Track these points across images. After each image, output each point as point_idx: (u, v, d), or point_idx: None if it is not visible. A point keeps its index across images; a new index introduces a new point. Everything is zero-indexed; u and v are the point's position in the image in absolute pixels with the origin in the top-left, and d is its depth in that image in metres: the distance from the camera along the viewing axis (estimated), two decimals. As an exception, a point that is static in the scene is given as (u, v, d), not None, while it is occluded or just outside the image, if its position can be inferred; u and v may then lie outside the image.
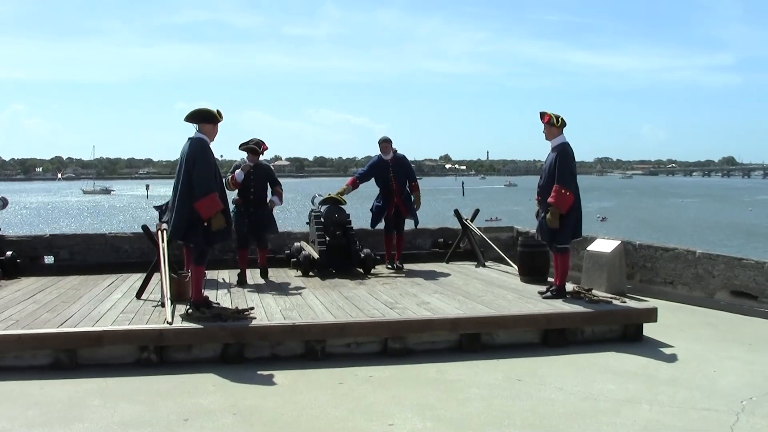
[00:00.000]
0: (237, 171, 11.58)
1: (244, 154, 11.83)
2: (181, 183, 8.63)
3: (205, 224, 8.55)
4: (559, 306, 9.39)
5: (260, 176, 11.88)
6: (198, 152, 8.55)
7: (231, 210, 10.07)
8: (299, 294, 10.27)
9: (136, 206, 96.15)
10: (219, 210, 8.53)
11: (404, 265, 13.02)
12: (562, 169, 9.62)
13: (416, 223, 13.42)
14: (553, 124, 9.82)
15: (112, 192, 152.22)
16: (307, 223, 13.57)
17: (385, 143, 12.92)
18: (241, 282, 11.37)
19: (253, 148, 11.82)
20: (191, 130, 8.81)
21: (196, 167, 8.49)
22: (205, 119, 8.77)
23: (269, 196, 12.16)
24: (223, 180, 9.08)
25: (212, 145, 8.84)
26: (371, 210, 13.25)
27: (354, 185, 13.10)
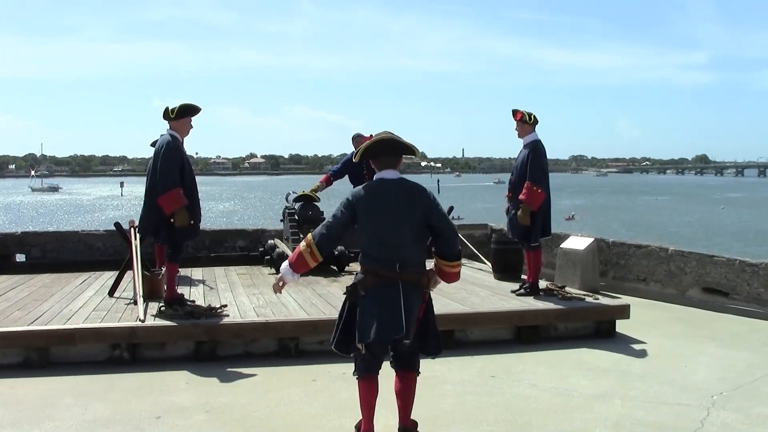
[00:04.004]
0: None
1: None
2: (150, 180, 8.62)
3: (171, 220, 8.49)
4: (532, 303, 9.43)
5: None
6: (163, 148, 8.50)
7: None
8: (272, 291, 10.21)
9: (83, 207, 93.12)
10: (182, 206, 8.47)
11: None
12: (533, 167, 9.66)
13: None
14: (525, 122, 9.86)
15: (59, 189, 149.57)
16: (281, 221, 13.53)
17: (358, 138, 12.89)
18: None
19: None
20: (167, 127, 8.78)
21: (160, 163, 8.45)
22: (165, 117, 8.72)
23: None
24: (195, 177, 8.95)
25: (187, 142, 8.78)
26: None
27: (328, 182, 13.07)
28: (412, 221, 5.33)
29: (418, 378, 5.59)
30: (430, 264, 5.50)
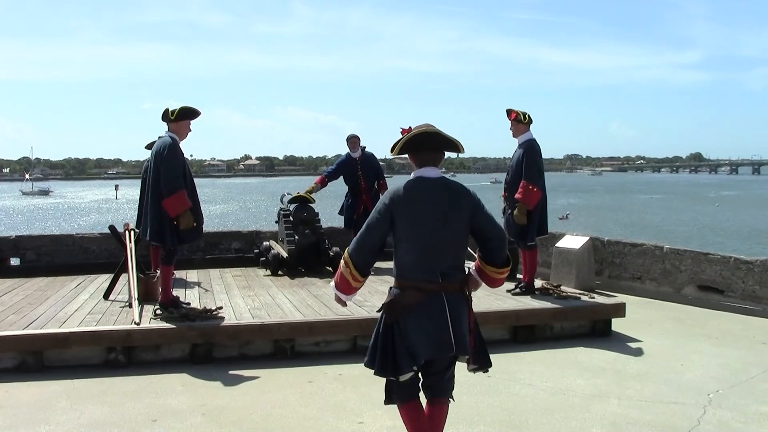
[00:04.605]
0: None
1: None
2: (152, 182, 8.59)
3: (174, 223, 8.48)
4: (528, 302, 9.43)
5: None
6: (166, 151, 8.47)
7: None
8: (268, 293, 10.22)
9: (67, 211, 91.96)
10: (187, 208, 8.46)
11: (374, 262, 12.95)
12: (529, 166, 9.67)
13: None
14: (520, 121, 9.87)
15: (50, 193, 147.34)
16: (276, 222, 13.52)
17: (353, 139, 12.93)
18: None
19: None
20: (164, 129, 8.76)
21: (164, 165, 8.43)
22: (165, 118, 8.71)
23: None
24: (194, 179, 8.94)
25: (182, 145, 8.76)
26: (340, 212, 13.24)
27: (323, 183, 13.09)
28: (457, 225, 4.75)
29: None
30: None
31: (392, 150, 4.95)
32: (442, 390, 4.99)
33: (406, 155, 4.86)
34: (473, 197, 4.82)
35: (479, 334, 4.99)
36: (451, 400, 5.05)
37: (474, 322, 4.95)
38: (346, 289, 4.96)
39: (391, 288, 4.88)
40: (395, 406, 5.05)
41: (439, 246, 4.72)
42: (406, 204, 4.71)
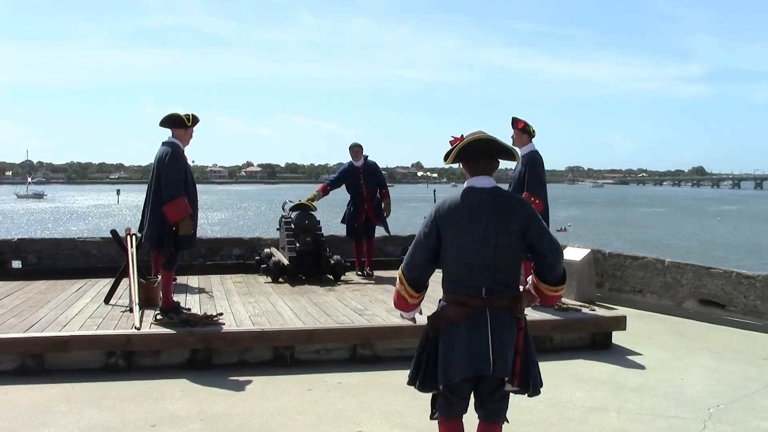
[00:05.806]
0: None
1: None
2: (154, 188, 8.60)
3: (174, 228, 8.48)
4: (528, 313, 9.38)
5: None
6: (168, 156, 8.49)
7: None
8: (268, 300, 10.22)
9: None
10: (187, 214, 8.47)
11: (374, 272, 12.98)
12: (531, 177, 9.62)
13: (387, 230, 13.42)
14: (527, 132, 9.80)
15: (44, 197, 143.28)
16: (278, 229, 13.53)
17: (356, 148, 12.92)
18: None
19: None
20: (165, 134, 8.78)
21: (165, 171, 8.44)
22: (175, 124, 8.71)
23: None
24: (196, 185, 8.95)
25: (185, 151, 8.78)
26: (343, 221, 13.22)
27: (324, 191, 13.07)
28: (508, 238, 4.52)
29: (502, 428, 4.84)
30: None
31: (445, 158, 4.74)
32: (492, 414, 4.75)
33: (459, 164, 4.70)
34: (527, 209, 4.62)
35: (532, 357, 4.68)
36: (505, 422, 4.83)
37: (525, 343, 4.62)
38: (405, 306, 4.87)
39: (440, 300, 4.74)
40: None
41: (485, 260, 4.51)
42: (452, 215, 4.56)
